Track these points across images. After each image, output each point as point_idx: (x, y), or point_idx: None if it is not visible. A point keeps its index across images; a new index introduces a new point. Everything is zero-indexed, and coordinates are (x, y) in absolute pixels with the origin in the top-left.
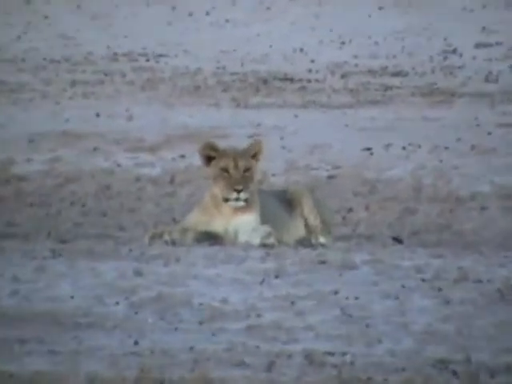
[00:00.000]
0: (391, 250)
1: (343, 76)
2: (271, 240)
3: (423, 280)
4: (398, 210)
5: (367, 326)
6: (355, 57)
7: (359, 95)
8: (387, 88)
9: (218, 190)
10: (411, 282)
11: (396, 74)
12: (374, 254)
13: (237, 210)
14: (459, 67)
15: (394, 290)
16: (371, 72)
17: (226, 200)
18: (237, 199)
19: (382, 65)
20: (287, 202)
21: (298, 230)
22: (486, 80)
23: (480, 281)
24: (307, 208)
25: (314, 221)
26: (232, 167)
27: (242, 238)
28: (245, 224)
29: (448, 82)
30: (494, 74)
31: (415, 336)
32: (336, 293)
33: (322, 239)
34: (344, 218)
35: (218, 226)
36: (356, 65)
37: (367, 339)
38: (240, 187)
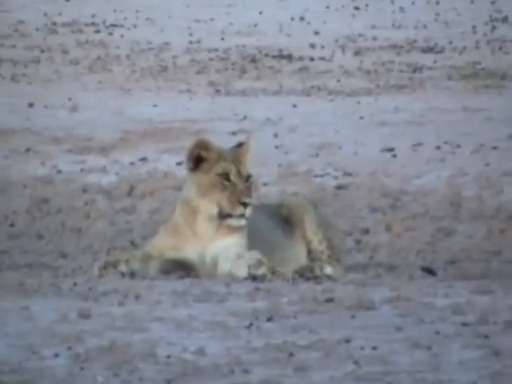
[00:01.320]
0: (420, 285)
1: (357, 53)
2: (262, 270)
3: (464, 324)
4: (429, 231)
5: None
6: (373, 27)
7: (378, 78)
8: (416, 69)
9: (210, 203)
10: (448, 327)
11: (427, 51)
12: (398, 290)
13: (218, 231)
14: (511, 41)
15: (424, 337)
16: (394, 47)
17: (225, 217)
18: (241, 215)
19: (408, 38)
20: (283, 220)
21: (297, 258)
22: None
23: None
24: (310, 228)
25: (319, 245)
26: (234, 174)
27: (224, 269)
28: (227, 249)
29: (496, 61)
30: None
31: None
32: (348, 341)
33: (328, 269)
34: (358, 241)
35: (191, 252)
36: (374, 38)
37: None
38: (248, 200)
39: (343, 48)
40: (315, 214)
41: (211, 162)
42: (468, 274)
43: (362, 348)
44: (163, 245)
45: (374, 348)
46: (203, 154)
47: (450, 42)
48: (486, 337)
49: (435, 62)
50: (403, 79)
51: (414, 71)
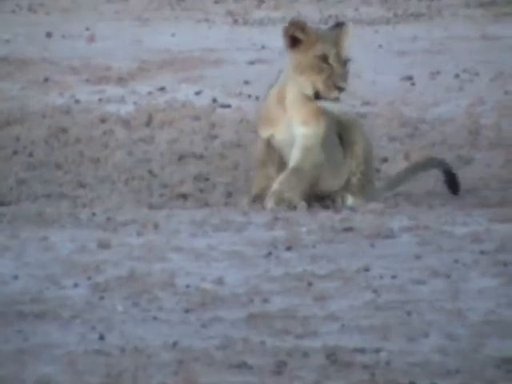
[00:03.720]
0: (439, 213)
1: None
2: (270, 204)
3: (482, 252)
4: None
5: (408, 313)
6: None
7: (396, 7)
8: None
9: (306, 82)
10: (466, 256)
11: None
12: (417, 219)
13: (306, 114)
14: None
15: (443, 265)
16: None
17: (320, 98)
18: (335, 99)
19: None
20: (338, 135)
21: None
22: None
23: None
24: (358, 155)
25: (355, 175)
26: (333, 56)
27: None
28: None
29: None
30: None
31: (473, 327)
32: (367, 270)
33: (350, 200)
34: (377, 170)
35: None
36: None
37: (408, 332)
38: (344, 85)
39: None
40: (364, 136)
41: (310, 42)
42: (486, 203)
43: (381, 277)
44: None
45: (393, 277)
46: (299, 35)
47: None
48: (505, 265)
49: None
50: (421, 7)
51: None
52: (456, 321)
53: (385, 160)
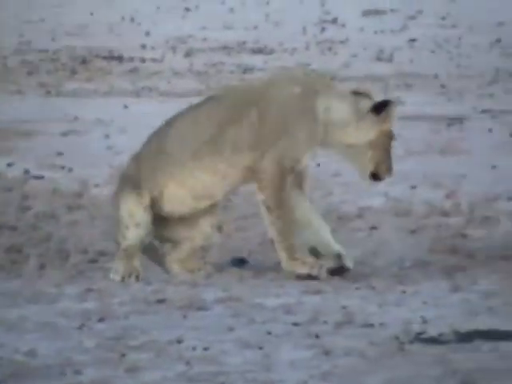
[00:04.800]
0: (251, 285)
1: (187, 54)
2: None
3: (295, 324)
4: (260, 231)
5: None
6: (203, 28)
7: (209, 79)
8: (246, 70)
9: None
10: (279, 327)
11: (258, 51)
12: (229, 290)
13: None
14: (341, 42)
15: (256, 337)
16: (225, 49)
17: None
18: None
19: (238, 39)
20: None
21: None
22: (378, 58)
23: (370, 325)
24: None
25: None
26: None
27: None
28: None
29: (327, 62)
30: (388, 51)
31: None
32: (179, 342)
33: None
34: None
35: None
36: (204, 39)
37: None
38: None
39: (174, 49)
40: None
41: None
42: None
43: (194, 348)
44: None
45: (206, 348)
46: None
47: (280, 44)
48: (317, 336)
49: (265, 62)
50: (234, 80)
51: (244, 72)
52: None
53: None
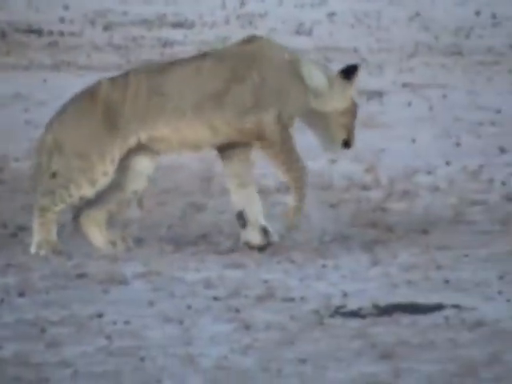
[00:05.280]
0: (172, 259)
1: (106, 28)
2: None
3: (215, 298)
4: (181, 206)
5: (141, 359)
6: (123, 2)
7: (129, 54)
8: (166, 44)
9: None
10: (199, 302)
11: (178, 25)
12: (149, 265)
13: None
14: (261, 15)
15: (176, 311)
16: (145, 23)
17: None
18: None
19: (158, 13)
20: None
21: None
22: (297, 32)
23: (291, 299)
24: None
25: None
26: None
27: None
28: None
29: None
30: (307, 25)
31: (205, 373)
32: (100, 316)
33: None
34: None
35: None
36: (124, 13)
37: (142, 377)
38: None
39: (93, 23)
40: None
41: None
42: (219, 249)
43: (114, 323)
44: None
45: (127, 322)
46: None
47: (200, 17)
48: (237, 310)
49: (186, 36)
50: (154, 54)
51: (164, 46)
52: (188, 367)
53: None
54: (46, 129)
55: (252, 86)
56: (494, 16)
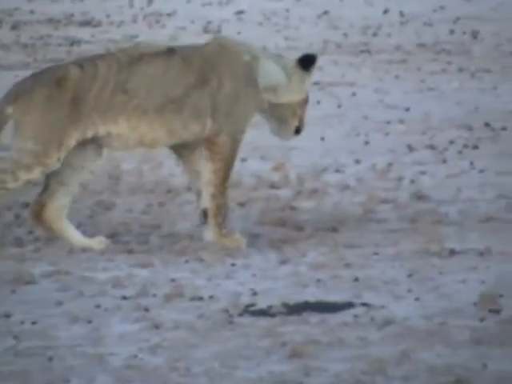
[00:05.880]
0: (80, 259)
1: (14, 27)
2: None
3: (124, 298)
4: (88, 204)
5: (50, 359)
6: (30, 1)
7: (36, 52)
8: (73, 42)
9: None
10: (108, 301)
11: (85, 24)
12: (57, 264)
13: None
14: (169, 14)
15: (84, 311)
16: (51, 21)
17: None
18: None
19: (65, 12)
20: None
21: None
22: (205, 31)
23: (200, 298)
24: None
25: None
26: None
27: None
28: None
29: (154, 35)
30: (216, 24)
31: (115, 372)
32: (7, 316)
33: None
34: (17, 216)
35: None
36: (31, 12)
37: (50, 377)
38: None
39: (0, 22)
40: None
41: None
42: (127, 248)
43: (22, 322)
44: None
45: (34, 323)
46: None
47: (108, 16)
48: (146, 309)
49: (93, 35)
50: (61, 53)
51: (72, 45)
52: (97, 366)
53: (26, 206)
54: (6, 97)
55: (210, 92)
56: (401, 14)
